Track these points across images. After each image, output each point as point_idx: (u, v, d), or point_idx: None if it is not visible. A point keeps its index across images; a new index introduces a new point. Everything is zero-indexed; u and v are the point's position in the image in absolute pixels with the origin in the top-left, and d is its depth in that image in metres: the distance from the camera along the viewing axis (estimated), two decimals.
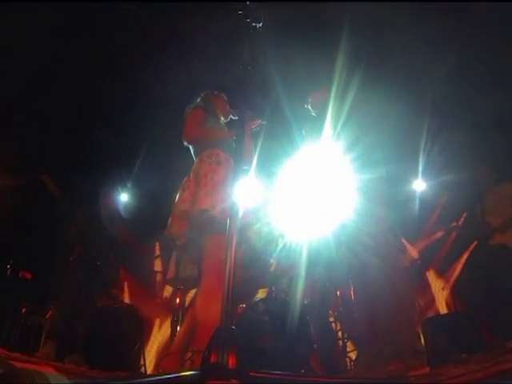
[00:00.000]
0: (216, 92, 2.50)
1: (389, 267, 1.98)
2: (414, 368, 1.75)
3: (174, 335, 3.73)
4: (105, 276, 3.54)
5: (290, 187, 2.43)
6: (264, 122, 2.47)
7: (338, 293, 4.29)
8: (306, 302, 3.97)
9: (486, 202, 3.87)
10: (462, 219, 5.21)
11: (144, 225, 5.73)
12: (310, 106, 2.65)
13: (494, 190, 3.92)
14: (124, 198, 5.82)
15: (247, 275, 2.91)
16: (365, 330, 2.14)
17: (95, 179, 4.10)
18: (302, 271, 4.17)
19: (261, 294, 4.15)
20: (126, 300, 5.56)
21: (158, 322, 5.62)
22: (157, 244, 6.09)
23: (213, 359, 0.96)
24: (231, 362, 0.96)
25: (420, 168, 4.85)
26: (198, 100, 2.48)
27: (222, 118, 2.46)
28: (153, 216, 5.73)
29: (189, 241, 2.11)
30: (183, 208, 2.06)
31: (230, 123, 2.48)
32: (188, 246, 2.10)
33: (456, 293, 5.08)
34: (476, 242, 4.89)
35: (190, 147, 2.37)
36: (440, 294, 5.28)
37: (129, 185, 5.78)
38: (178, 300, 3.93)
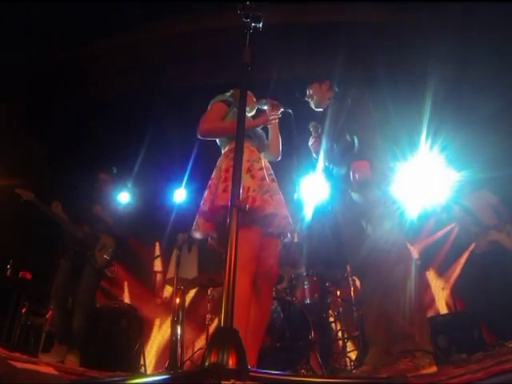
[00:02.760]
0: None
1: (398, 264, 1.96)
2: (423, 367, 1.74)
3: (174, 335, 3.72)
4: (94, 260, 3.46)
5: (291, 186, 2.42)
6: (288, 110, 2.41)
7: (338, 293, 4.29)
8: (306, 301, 3.98)
9: (473, 207, 3.85)
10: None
11: (144, 225, 5.73)
12: (310, 99, 2.64)
13: (476, 195, 3.90)
14: (124, 197, 5.82)
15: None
16: (372, 328, 2.13)
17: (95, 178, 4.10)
18: (302, 271, 4.18)
19: None
20: (126, 300, 5.56)
21: (157, 322, 5.62)
22: (157, 244, 6.09)
23: (213, 359, 0.96)
24: (231, 362, 0.96)
25: (420, 168, 4.85)
26: (227, 94, 2.42)
27: (248, 110, 2.38)
28: (153, 216, 5.75)
29: (217, 240, 2.03)
30: (204, 208, 2.00)
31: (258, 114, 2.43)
32: (218, 245, 2.02)
33: (456, 293, 5.08)
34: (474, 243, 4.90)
35: (218, 142, 2.30)
36: (440, 294, 5.28)
37: (128, 184, 5.77)
38: (178, 300, 3.93)
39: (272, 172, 2.23)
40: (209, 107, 2.30)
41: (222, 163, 2.11)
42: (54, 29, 3.90)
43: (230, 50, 3.06)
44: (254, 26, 1.62)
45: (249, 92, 2.39)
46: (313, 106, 2.63)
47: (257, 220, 1.90)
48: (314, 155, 2.58)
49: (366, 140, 2.24)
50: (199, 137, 2.22)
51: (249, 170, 2.02)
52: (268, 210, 1.91)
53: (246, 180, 1.95)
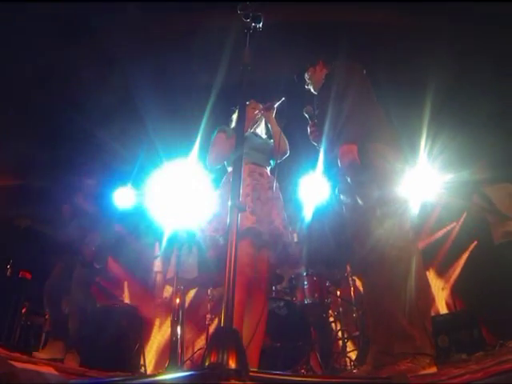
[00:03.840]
0: (247, 102, 2.51)
1: (401, 262, 1.95)
2: (423, 367, 1.74)
3: (174, 335, 3.73)
4: (81, 255, 3.59)
5: (291, 186, 2.43)
6: (281, 100, 2.50)
7: (338, 293, 4.29)
8: (306, 302, 3.98)
9: (492, 196, 3.80)
10: (462, 219, 5.22)
11: (145, 225, 5.73)
12: (308, 83, 2.64)
13: (497, 186, 3.87)
14: (124, 197, 5.82)
15: None
16: (372, 327, 2.12)
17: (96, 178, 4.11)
18: (302, 271, 4.18)
19: None
20: (126, 300, 5.56)
21: (157, 322, 5.62)
22: (157, 244, 6.09)
23: (213, 359, 0.96)
24: (231, 362, 0.96)
25: (420, 168, 4.85)
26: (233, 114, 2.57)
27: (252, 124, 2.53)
28: (153, 215, 5.74)
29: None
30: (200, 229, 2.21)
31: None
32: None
33: (456, 293, 5.08)
34: (476, 242, 4.90)
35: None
36: (440, 294, 5.28)
37: (129, 184, 5.77)
38: (178, 300, 3.93)
39: (268, 180, 2.32)
40: (212, 139, 2.49)
41: (222, 185, 2.33)
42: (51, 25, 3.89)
43: (229, 49, 3.06)
44: (254, 26, 1.63)
45: (252, 101, 2.50)
46: (313, 91, 2.63)
47: (242, 234, 2.00)
48: (316, 145, 2.55)
49: (355, 120, 2.16)
50: (210, 168, 2.43)
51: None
52: (246, 225, 2.03)
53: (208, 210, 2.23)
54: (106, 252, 3.82)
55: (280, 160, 2.48)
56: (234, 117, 2.57)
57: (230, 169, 2.38)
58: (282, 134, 2.48)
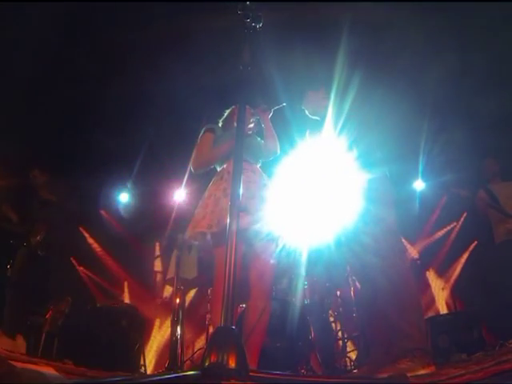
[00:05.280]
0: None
1: (393, 266, 1.98)
2: (423, 366, 1.76)
3: (174, 335, 3.73)
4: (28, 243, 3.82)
5: (290, 187, 2.42)
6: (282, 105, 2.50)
7: (338, 293, 4.30)
8: (306, 302, 3.98)
9: (499, 192, 3.78)
10: (462, 219, 5.22)
11: (144, 225, 5.73)
12: (305, 107, 2.63)
13: (504, 184, 3.85)
14: (124, 197, 5.83)
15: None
16: (372, 329, 2.14)
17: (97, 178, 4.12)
18: (302, 271, 4.18)
19: None
20: (126, 300, 5.57)
21: (157, 322, 5.62)
22: (157, 244, 6.09)
23: (213, 359, 0.96)
24: (231, 362, 0.96)
25: (420, 168, 4.86)
26: (225, 114, 2.56)
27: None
28: (153, 215, 5.75)
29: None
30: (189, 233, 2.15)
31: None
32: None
33: (456, 293, 5.08)
34: (476, 242, 4.91)
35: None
36: (440, 294, 5.28)
37: (129, 184, 5.78)
38: (178, 300, 3.93)
39: (261, 177, 2.30)
40: (199, 138, 2.42)
41: (208, 189, 2.24)
42: (53, 25, 3.89)
43: (230, 49, 3.06)
44: (254, 26, 1.62)
45: (248, 110, 2.49)
46: (308, 114, 2.62)
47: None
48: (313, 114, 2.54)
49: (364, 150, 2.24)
50: (194, 172, 2.37)
51: (208, 197, 2.18)
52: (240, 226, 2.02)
53: (199, 208, 2.18)
54: (52, 242, 3.98)
55: (268, 159, 2.48)
56: (225, 115, 2.57)
57: (219, 168, 2.34)
58: (275, 135, 2.48)
